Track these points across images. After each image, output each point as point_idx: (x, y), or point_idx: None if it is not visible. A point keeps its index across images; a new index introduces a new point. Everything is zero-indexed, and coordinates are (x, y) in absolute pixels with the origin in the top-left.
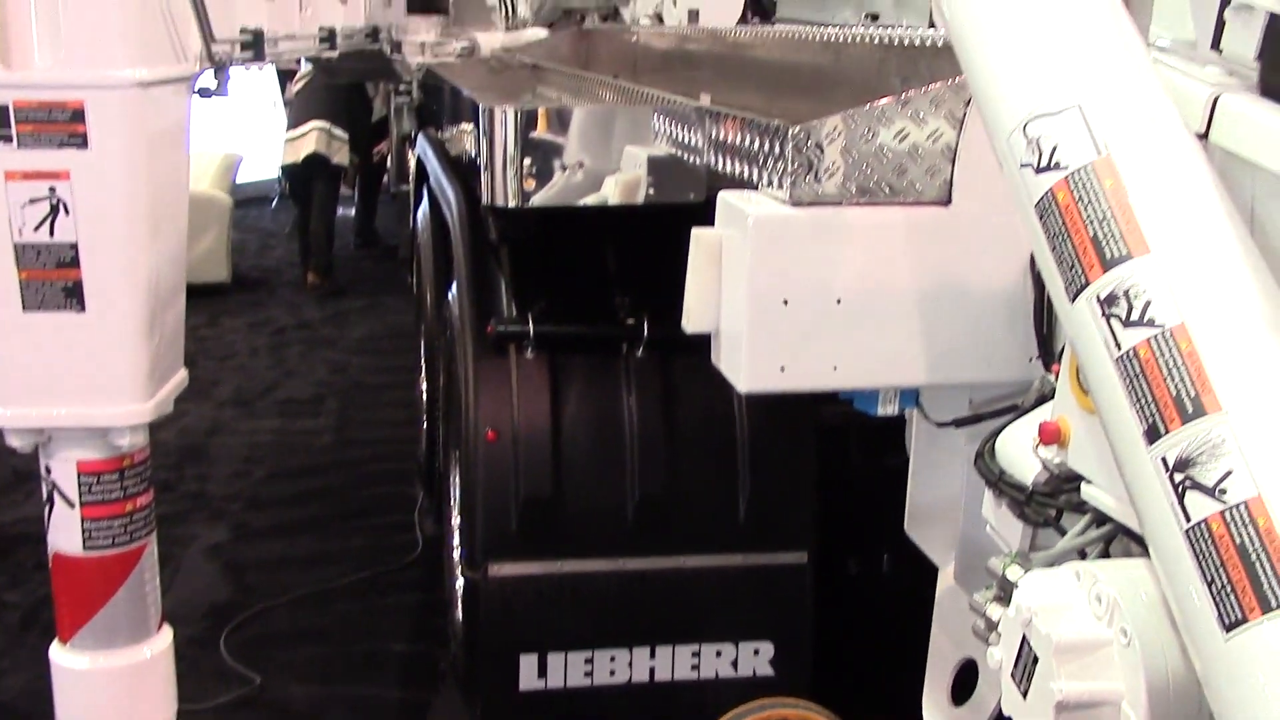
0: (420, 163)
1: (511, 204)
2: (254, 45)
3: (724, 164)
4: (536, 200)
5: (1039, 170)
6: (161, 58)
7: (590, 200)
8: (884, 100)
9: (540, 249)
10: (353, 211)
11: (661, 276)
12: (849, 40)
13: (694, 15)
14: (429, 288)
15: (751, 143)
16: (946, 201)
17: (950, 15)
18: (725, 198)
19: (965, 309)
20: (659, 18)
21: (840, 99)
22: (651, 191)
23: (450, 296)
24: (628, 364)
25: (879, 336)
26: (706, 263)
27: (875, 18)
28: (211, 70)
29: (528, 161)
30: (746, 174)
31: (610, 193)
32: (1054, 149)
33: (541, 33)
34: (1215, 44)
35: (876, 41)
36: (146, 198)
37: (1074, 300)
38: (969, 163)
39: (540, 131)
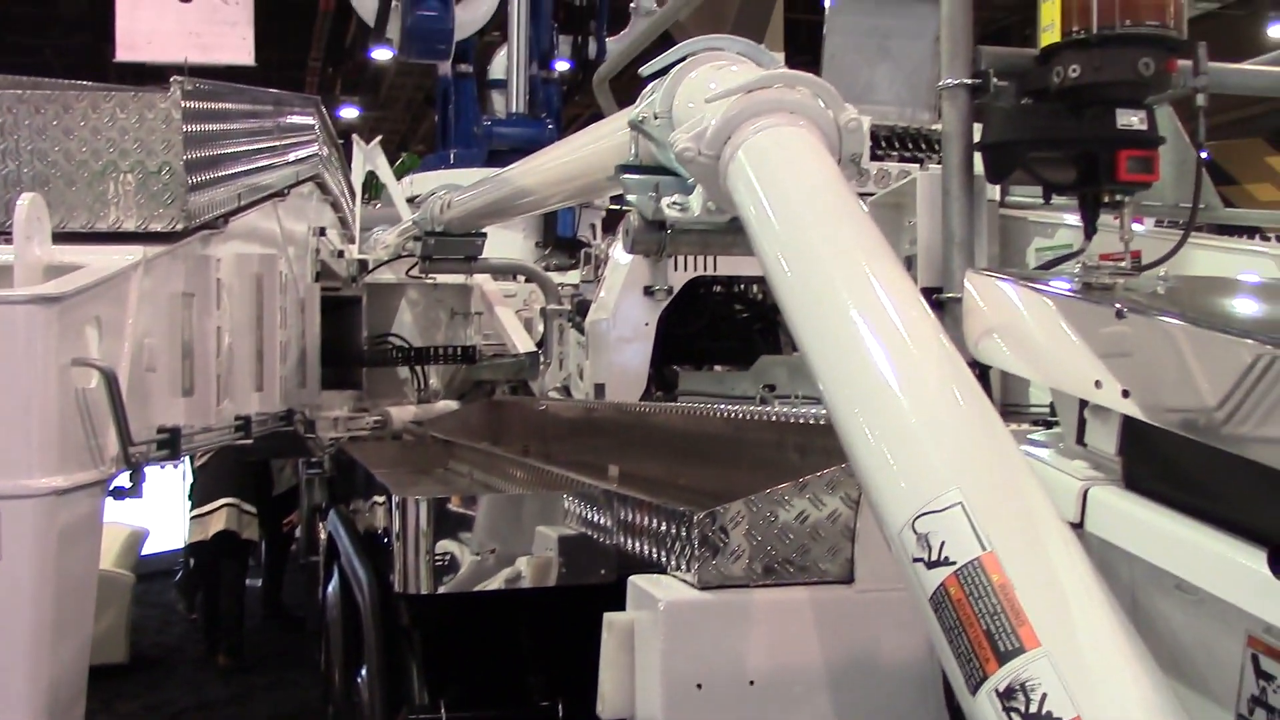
0: (331, 539)
1: (423, 591)
2: (170, 444)
3: (633, 545)
4: (448, 587)
5: (930, 565)
6: (79, 464)
7: (502, 583)
8: (783, 485)
9: (452, 633)
10: (259, 582)
11: (575, 656)
12: (746, 417)
13: (600, 389)
14: (338, 667)
15: (659, 526)
16: (849, 580)
17: (835, 416)
18: (635, 582)
19: (876, 687)
20: (567, 390)
21: (741, 474)
22: (564, 572)
23: (360, 679)
24: None
25: (793, 719)
26: (619, 648)
27: (772, 388)
28: (127, 471)
29: (439, 549)
30: (655, 555)
31: (523, 574)
32: (941, 544)
33: (453, 405)
34: (1079, 438)
35: (771, 419)
36: (53, 606)
37: (974, 694)
38: (868, 542)
39: (451, 519)
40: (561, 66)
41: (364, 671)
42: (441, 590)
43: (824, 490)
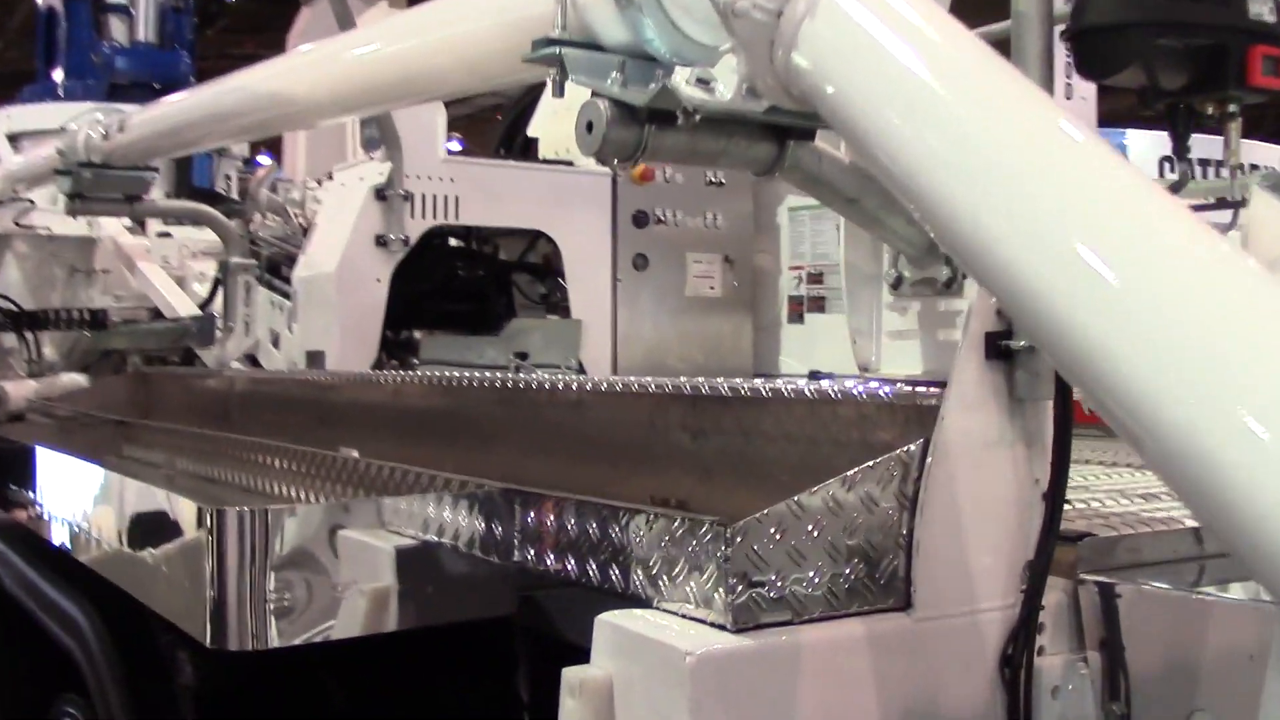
0: None
1: (252, 646)
2: None
3: (565, 565)
4: (288, 637)
5: None
6: None
7: (365, 625)
8: (831, 481)
9: (240, 693)
10: None
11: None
12: (523, 385)
13: (316, 358)
14: None
15: (632, 539)
16: (907, 605)
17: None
18: (615, 622)
19: None
20: (254, 360)
21: (591, 463)
22: (453, 605)
23: None
24: None
25: None
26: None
27: (524, 356)
28: None
29: (281, 584)
30: (616, 583)
31: (393, 611)
32: None
33: (80, 379)
34: None
35: (558, 386)
36: None
37: None
38: (928, 553)
39: (286, 541)
40: None
41: None
42: (292, 642)
43: (877, 486)
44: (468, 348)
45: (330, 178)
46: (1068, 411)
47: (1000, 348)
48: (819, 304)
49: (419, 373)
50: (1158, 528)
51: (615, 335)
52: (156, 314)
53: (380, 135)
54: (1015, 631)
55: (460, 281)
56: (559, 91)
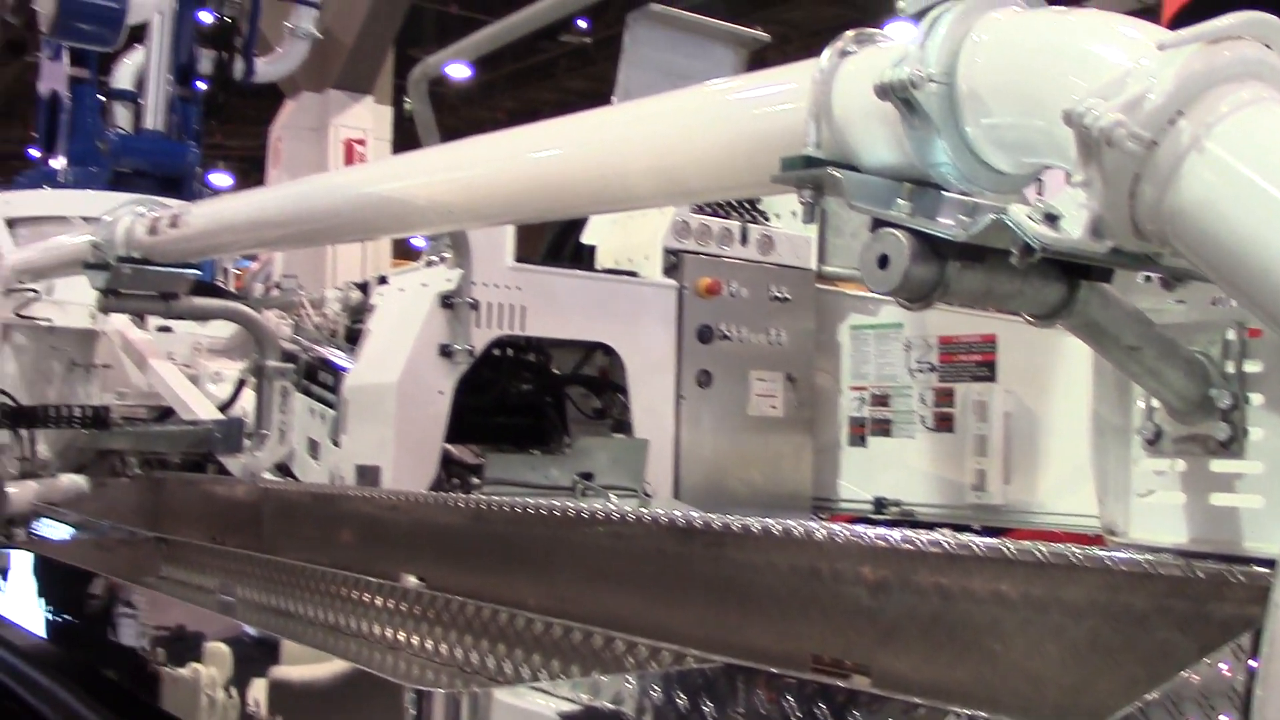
0: None
1: None
2: None
3: None
4: None
5: None
6: None
7: None
8: (1176, 679)
9: None
10: None
11: None
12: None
13: (368, 473)
14: None
15: None
16: None
17: None
18: None
19: None
20: (285, 470)
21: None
22: None
23: None
24: None
25: None
26: None
27: (589, 477)
28: None
29: None
30: None
31: None
32: None
33: (80, 481)
34: None
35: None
36: None
37: None
38: None
39: None
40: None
41: None
42: None
43: (1212, 682)
44: (530, 467)
45: (383, 281)
46: None
47: None
48: (883, 427)
49: (502, 497)
50: None
51: (678, 455)
52: (163, 414)
53: (450, 241)
54: None
55: (518, 395)
56: (810, 216)
